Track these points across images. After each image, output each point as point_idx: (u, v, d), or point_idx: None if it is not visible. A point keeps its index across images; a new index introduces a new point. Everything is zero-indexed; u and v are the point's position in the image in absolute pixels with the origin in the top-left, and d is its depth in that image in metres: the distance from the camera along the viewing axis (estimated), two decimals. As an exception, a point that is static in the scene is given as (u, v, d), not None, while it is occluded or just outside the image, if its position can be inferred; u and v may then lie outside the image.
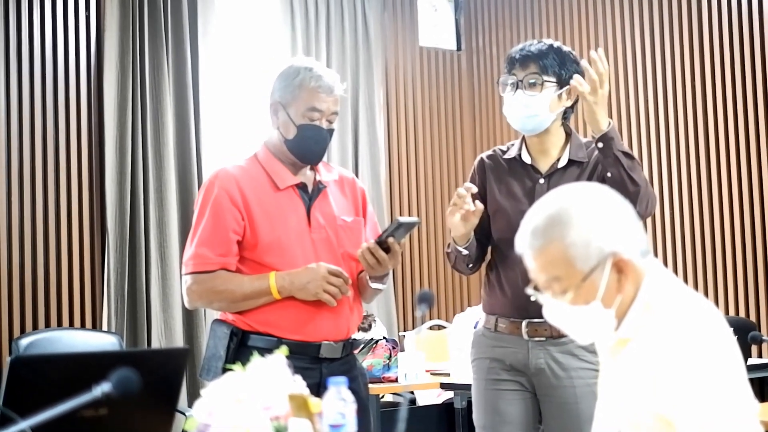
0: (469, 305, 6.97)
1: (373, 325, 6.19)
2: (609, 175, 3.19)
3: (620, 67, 6.93)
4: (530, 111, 3.32)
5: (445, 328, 6.64)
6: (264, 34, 6.92)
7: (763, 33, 6.22)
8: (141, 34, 6.26)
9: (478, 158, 3.54)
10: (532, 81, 3.32)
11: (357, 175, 7.05)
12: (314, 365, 3.17)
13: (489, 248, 3.50)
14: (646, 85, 6.79)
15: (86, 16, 6.13)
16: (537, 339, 3.28)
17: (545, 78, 3.32)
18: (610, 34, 7.01)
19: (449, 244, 3.42)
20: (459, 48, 7.93)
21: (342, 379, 2.15)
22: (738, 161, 6.32)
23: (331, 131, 3.29)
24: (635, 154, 6.58)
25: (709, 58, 6.47)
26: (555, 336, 3.25)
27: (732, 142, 6.34)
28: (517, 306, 3.27)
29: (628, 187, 3.13)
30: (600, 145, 3.18)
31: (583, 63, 3.22)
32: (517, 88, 3.34)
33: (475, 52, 7.89)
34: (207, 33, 6.55)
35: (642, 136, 6.78)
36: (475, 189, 3.26)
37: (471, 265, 3.44)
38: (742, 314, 6.18)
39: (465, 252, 3.35)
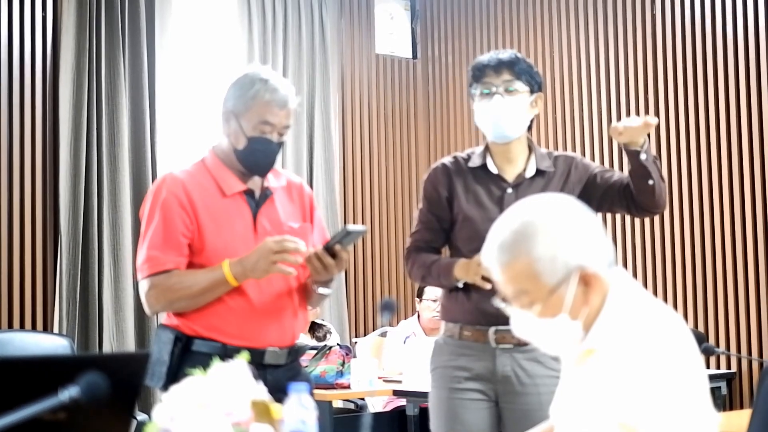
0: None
1: (328, 336, 6.19)
2: (650, 182, 3.27)
3: (575, 77, 6.99)
4: (511, 116, 3.33)
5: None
6: (221, 37, 6.90)
7: (715, 37, 6.30)
8: (97, 35, 6.22)
9: (439, 163, 3.50)
10: (509, 87, 3.33)
11: (311, 180, 7.05)
12: (258, 371, 3.17)
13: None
14: (599, 94, 6.86)
15: (42, 16, 6.08)
16: (504, 346, 3.30)
17: (520, 85, 3.35)
18: (564, 45, 7.07)
19: (430, 265, 3.43)
20: (415, 56, 7.96)
21: (303, 386, 2.16)
22: (689, 163, 6.39)
23: (281, 144, 3.27)
24: (588, 157, 6.66)
25: (662, 65, 6.55)
26: (522, 343, 3.25)
27: (683, 145, 6.42)
28: (484, 313, 3.27)
29: (661, 185, 3.31)
30: (644, 156, 3.24)
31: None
32: (492, 95, 3.34)
33: (431, 60, 7.92)
34: (164, 35, 6.53)
35: (595, 141, 6.84)
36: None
37: None
38: (691, 325, 6.24)
39: (460, 285, 3.39)
